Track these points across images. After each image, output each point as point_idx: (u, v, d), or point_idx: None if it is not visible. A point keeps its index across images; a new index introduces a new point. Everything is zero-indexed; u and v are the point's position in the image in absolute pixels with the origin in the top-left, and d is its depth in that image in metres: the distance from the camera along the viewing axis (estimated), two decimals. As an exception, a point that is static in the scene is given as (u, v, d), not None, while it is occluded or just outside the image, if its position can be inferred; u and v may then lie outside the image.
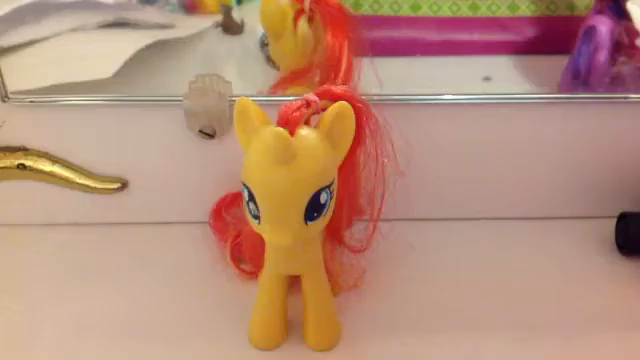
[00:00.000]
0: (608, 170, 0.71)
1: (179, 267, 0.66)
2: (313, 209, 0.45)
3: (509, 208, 0.73)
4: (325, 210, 0.47)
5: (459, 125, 0.68)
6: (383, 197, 0.56)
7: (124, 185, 0.71)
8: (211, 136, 0.66)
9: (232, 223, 0.66)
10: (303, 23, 0.60)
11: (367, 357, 0.56)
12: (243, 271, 0.63)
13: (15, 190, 0.71)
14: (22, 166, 0.69)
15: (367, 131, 0.51)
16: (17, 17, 0.65)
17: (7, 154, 0.69)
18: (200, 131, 0.65)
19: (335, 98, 0.47)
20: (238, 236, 0.63)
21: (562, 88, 0.70)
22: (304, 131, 0.46)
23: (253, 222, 0.47)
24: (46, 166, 0.69)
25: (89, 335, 0.58)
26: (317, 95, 0.47)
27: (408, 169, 0.68)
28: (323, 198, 0.46)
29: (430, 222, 0.72)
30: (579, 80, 0.68)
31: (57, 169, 0.70)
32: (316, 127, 0.47)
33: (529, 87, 0.70)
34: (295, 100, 0.46)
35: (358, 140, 0.50)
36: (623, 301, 0.61)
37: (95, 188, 0.71)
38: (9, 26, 0.65)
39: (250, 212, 0.47)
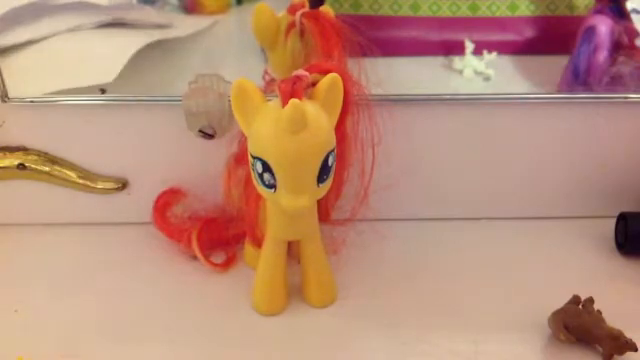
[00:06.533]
0: (608, 170, 0.71)
1: (179, 266, 0.66)
2: (323, 172, 0.50)
3: (509, 208, 0.73)
4: (331, 172, 0.52)
5: (459, 125, 0.68)
6: (372, 167, 0.60)
7: (124, 185, 0.71)
8: (211, 136, 0.66)
9: (182, 220, 0.68)
10: (294, 37, 0.60)
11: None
12: (213, 263, 0.65)
13: (15, 190, 0.71)
14: (22, 166, 0.69)
15: (353, 100, 0.55)
16: (15, 17, 0.65)
17: (7, 154, 0.69)
18: (200, 131, 0.65)
19: (324, 71, 0.51)
20: (201, 229, 0.65)
21: (562, 88, 0.70)
22: (306, 102, 0.49)
23: (267, 192, 0.51)
24: (46, 166, 0.69)
25: (89, 334, 0.58)
26: (307, 70, 0.50)
27: (408, 169, 0.69)
28: (330, 161, 0.51)
29: (430, 222, 0.72)
30: (579, 80, 0.68)
31: (57, 169, 0.70)
32: (310, 98, 0.51)
33: (529, 87, 0.70)
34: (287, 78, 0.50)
35: (346, 109, 0.54)
36: (623, 300, 0.61)
37: (95, 188, 0.71)
38: (7, 26, 0.65)
39: (264, 183, 0.50)
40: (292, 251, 0.62)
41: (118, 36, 0.68)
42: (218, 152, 0.63)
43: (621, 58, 0.68)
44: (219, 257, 0.66)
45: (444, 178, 0.71)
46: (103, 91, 0.66)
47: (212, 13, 0.70)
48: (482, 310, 0.60)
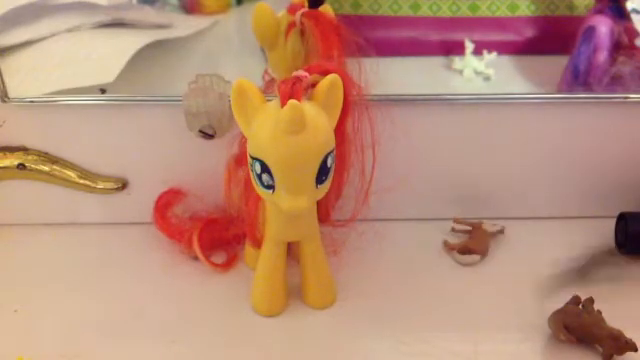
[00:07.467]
0: (608, 170, 0.71)
1: (180, 266, 0.66)
2: (322, 173, 0.50)
3: (509, 208, 0.73)
4: (330, 173, 0.51)
5: (459, 125, 0.68)
6: (373, 168, 0.59)
7: (124, 185, 0.71)
8: (211, 136, 0.66)
9: (182, 221, 0.68)
10: (294, 37, 0.60)
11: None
12: (213, 263, 0.65)
13: (15, 190, 0.71)
14: (22, 166, 0.69)
15: (353, 101, 0.55)
16: (15, 17, 0.65)
17: (7, 154, 0.69)
18: (200, 131, 0.65)
19: (324, 72, 0.51)
20: (202, 230, 0.65)
21: (562, 88, 0.70)
22: (305, 103, 0.49)
23: (265, 193, 0.51)
24: (46, 166, 0.69)
25: (89, 334, 0.58)
26: (307, 71, 0.50)
27: (408, 169, 0.69)
28: (329, 162, 0.50)
29: (429, 222, 0.72)
30: (579, 80, 0.68)
31: (57, 169, 0.70)
32: (310, 99, 0.50)
33: (529, 87, 0.70)
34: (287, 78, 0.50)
35: (346, 110, 0.53)
36: (623, 300, 0.61)
37: (95, 188, 0.71)
38: (7, 26, 0.65)
39: (263, 184, 0.50)
40: (292, 252, 0.62)
41: (118, 36, 0.68)
42: (218, 152, 0.63)
43: (621, 58, 0.68)
44: (220, 257, 0.66)
45: (444, 178, 0.71)
46: (103, 91, 0.66)
47: (212, 13, 0.70)
48: (481, 310, 0.60)
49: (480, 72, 0.71)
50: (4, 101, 0.66)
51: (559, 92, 0.70)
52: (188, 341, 0.57)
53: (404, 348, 0.56)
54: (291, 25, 0.60)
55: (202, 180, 0.68)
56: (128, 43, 0.67)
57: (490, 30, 0.72)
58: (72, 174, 0.70)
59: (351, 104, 0.54)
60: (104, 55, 0.67)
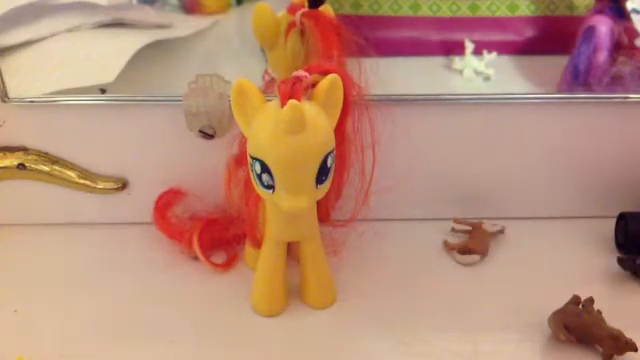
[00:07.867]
0: (608, 170, 0.71)
1: (180, 266, 0.66)
2: (322, 173, 0.50)
3: (509, 208, 0.73)
4: (330, 173, 0.51)
5: (459, 125, 0.68)
6: (373, 168, 0.60)
7: (124, 185, 0.71)
8: (211, 136, 0.66)
9: (182, 221, 0.68)
10: (294, 37, 0.60)
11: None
12: (213, 263, 0.65)
13: (15, 190, 0.71)
14: (22, 166, 0.69)
15: (353, 101, 0.55)
16: (15, 17, 0.65)
17: (7, 154, 0.69)
18: (200, 131, 0.65)
19: (324, 72, 0.51)
20: (202, 230, 0.65)
21: (562, 88, 0.70)
22: (305, 103, 0.49)
23: (266, 193, 0.51)
24: (46, 166, 0.69)
25: (89, 334, 0.58)
26: (307, 71, 0.50)
27: (408, 169, 0.69)
28: (329, 162, 0.50)
29: (429, 222, 0.72)
30: (579, 80, 0.69)
31: (57, 169, 0.70)
32: (310, 99, 0.51)
33: (529, 87, 0.70)
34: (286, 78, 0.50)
35: (346, 110, 0.53)
36: (623, 300, 0.61)
37: (95, 188, 0.71)
38: (7, 26, 0.65)
39: (263, 184, 0.50)
40: (292, 252, 0.62)
41: (118, 36, 0.68)
42: (218, 152, 0.63)
43: (621, 58, 0.68)
44: (220, 257, 0.66)
45: (444, 178, 0.71)
46: (103, 91, 0.66)
47: (212, 13, 0.70)
48: (481, 310, 0.60)
49: (480, 72, 0.71)
50: (4, 101, 0.66)
51: (559, 92, 0.70)
52: (188, 341, 0.57)
53: (404, 348, 0.56)
54: (291, 25, 0.60)
55: (202, 180, 0.68)
56: (128, 43, 0.67)
57: (490, 30, 0.72)
58: (72, 174, 0.70)
59: (351, 104, 0.54)
60: (104, 55, 0.67)
